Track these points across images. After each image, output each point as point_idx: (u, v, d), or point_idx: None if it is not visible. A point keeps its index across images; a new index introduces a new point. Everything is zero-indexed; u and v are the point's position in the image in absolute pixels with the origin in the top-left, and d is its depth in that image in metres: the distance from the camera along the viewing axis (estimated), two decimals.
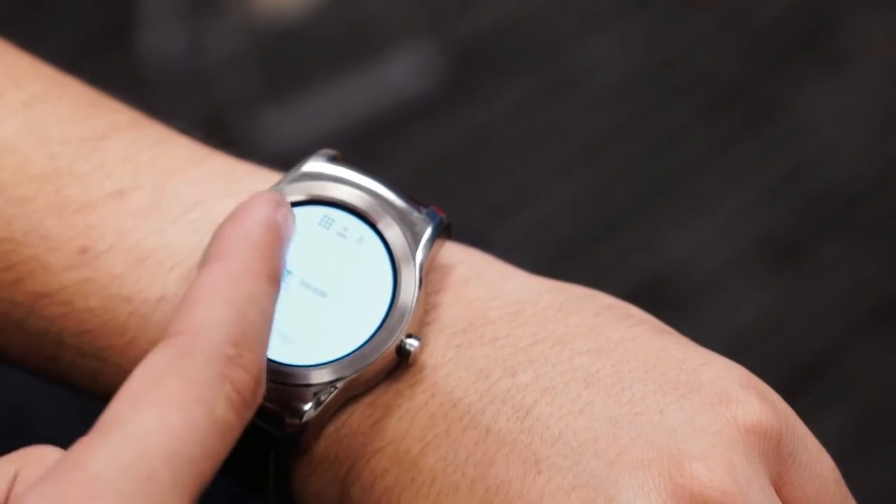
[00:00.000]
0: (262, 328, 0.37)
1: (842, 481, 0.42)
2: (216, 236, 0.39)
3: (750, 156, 1.52)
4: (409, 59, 1.55)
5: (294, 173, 0.45)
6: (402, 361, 0.42)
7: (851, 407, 1.33)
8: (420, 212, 0.44)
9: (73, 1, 1.51)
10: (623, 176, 1.50)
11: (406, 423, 0.42)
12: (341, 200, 0.44)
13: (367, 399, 0.42)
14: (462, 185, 1.47)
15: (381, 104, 1.51)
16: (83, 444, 0.34)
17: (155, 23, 1.49)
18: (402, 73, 1.54)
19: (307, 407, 0.42)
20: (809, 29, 1.60)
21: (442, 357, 0.42)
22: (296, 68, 1.52)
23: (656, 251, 1.42)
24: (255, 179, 0.46)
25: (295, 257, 0.43)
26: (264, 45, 1.53)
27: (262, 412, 0.42)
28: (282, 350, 0.42)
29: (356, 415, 0.42)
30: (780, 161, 1.52)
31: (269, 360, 0.42)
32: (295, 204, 0.44)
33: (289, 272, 0.43)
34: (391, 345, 0.42)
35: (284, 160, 0.49)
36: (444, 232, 0.44)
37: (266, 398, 0.42)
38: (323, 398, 0.42)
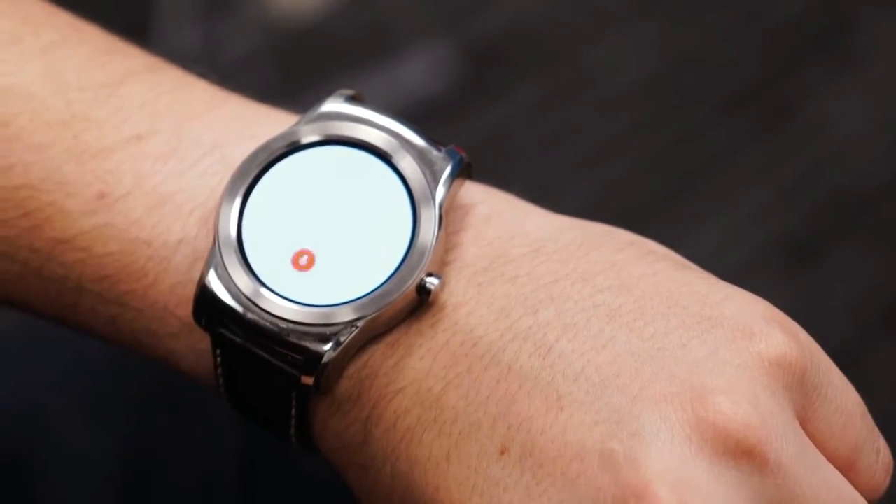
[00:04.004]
0: None
1: (868, 416, 0.42)
2: None
3: (765, 156, 1.52)
4: (424, 58, 1.55)
5: (312, 114, 0.44)
6: (422, 300, 0.42)
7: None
8: (440, 150, 0.44)
9: (90, 1, 1.51)
10: (638, 176, 1.50)
11: (427, 362, 0.41)
12: (359, 139, 0.44)
13: (388, 339, 0.42)
14: None
15: (396, 104, 1.51)
16: None
17: (170, 22, 1.49)
18: (417, 72, 1.54)
19: (327, 347, 0.41)
20: (825, 29, 1.60)
21: (463, 296, 0.42)
22: (311, 68, 1.53)
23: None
24: (273, 122, 0.45)
25: (313, 198, 0.43)
26: (279, 45, 1.53)
27: (282, 353, 0.42)
28: (301, 290, 0.42)
29: (377, 355, 0.42)
30: (794, 162, 1.51)
31: (288, 300, 0.42)
32: (312, 144, 0.44)
33: (309, 210, 0.43)
34: (411, 283, 0.42)
35: None
36: (465, 171, 0.44)
37: (286, 339, 0.42)
38: (343, 338, 0.41)
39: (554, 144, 1.50)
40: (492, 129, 1.52)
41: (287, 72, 1.51)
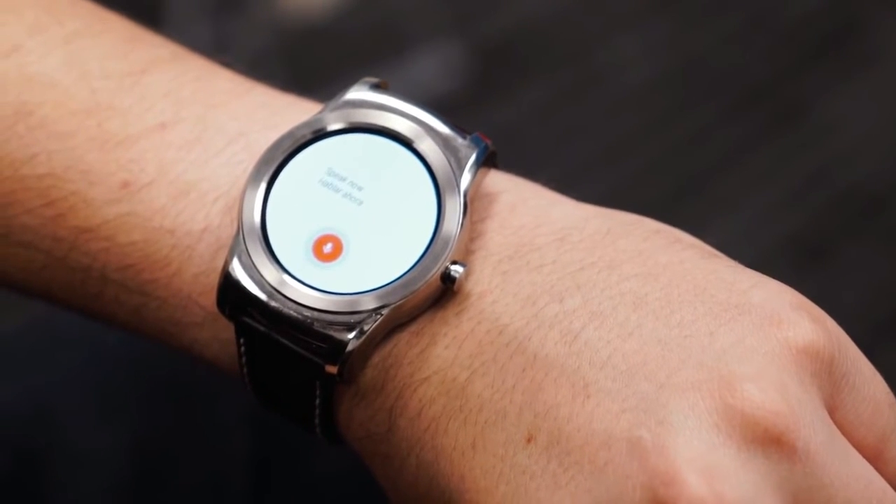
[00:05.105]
0: None
1: None
2: None
3: (774, 157, 1.52)
4: (434, 58, 1.55)
5: (336, 102, 0.44)
6: (447, 289, 0.42)
7: None
8: (464, 138, 0.44)
9: (100, 0, 1.51)
10: (647, 176, 1.50)
11: (453, 350, 0.41)
12: (384, 127, 0.44)
13: (413, 327, 0.42)
14: None
15: None
16: None
17: (181, 21, 1.50)
18: (426, 72, 1.54)
19: (351, 336, 0.41)
20: (835, 30, 1.60)
21: (488, 284, 0.42)
22: (321, 67, 1.53)
23: None
24: (298, 110, 0.45)
25: (337, 186, 0.43)
26: (290, 44, 1.53)
27: (306, 342, 0.42)
28: (324, 277, 0.42)
29: (402, 343, 0.42)
30: (804, 162, 1.51)
31: (311, 288, 0.42)
32: (336, 132, 0.44)
33: (334, 191, 0.43)
34: (436, 271, 0.41)
35: None
36: (490, 159, 0.44)
37: (310, 327, 0.42)
38: (367, 327, 0.41)
39: (564, 143, 1.50)
40: (501, 129, 1.51)
41: (297, 71, 1.51)
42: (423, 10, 1.56)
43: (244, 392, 0.59)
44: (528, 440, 0.39)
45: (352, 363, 0.41)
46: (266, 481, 0.60)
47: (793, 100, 1.55)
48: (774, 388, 0.38)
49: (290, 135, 0.44)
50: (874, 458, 0.40)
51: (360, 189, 0.43)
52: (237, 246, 0.42)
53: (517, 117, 1.53)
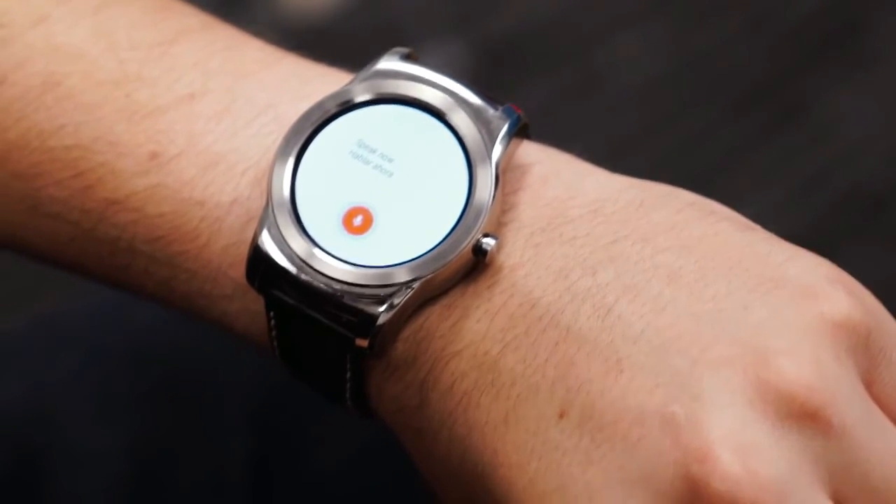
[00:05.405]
0: None
1: None
2: None
3: (776, 156, 1.51)
4: (436, 57, 1.55)
5: (366, 72, 0.44)
6: (478, 262, 0.41)
7: None
8: (496, 109, 0.43)
9: None
10: (648, 176, 1.48)
11: (484, 324, 0.41)
12: (414, 98, 0.43)
13: (444, 301, 0.41)
14: None
15: None
16: None
17: None
18: None
19: (382, 309, 0.41)
20: (837, 29, 1.60)
21: (520, 257, 0.41)
22: None
23: None
24: (328, 81, 0.45)
25: (367, 157, 0.43)
26: (292, 45, 1.53)
27: (336, 315, 0.41)
28: (354, 250, 0.41)
29: (433, 317, 0.41)
30: (806, 162, 1.51)
31: (341, 260, 0.41)
32: (365, 103, 0.43)
33: (364, 163, 0.43)
34: (468, 244, 0.41)
35: None
36: (522, 131, 0.44)
37: (340, 300, 0.41)
38: (398, 300, 0.41)
39: (565, 143, 1.49)
40: None
41: None
42: (424, 10, 1.56)
43: (244, 392, 0.59)
44: (561, 415, 0.39)
45: (382, 336, 0.41)
46: (266, 481, 0.60)
47: (794, 100, 1.55)
48: (809, 362, 0.38)
49: (319, 106, 0.43)
50: None
51: (390, 161, 0.42)
52: (266, 218, 0.42)
53: None
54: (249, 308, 0.44)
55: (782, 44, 1.59)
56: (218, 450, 0.60)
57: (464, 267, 0.41)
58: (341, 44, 1.56)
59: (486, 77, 1.55)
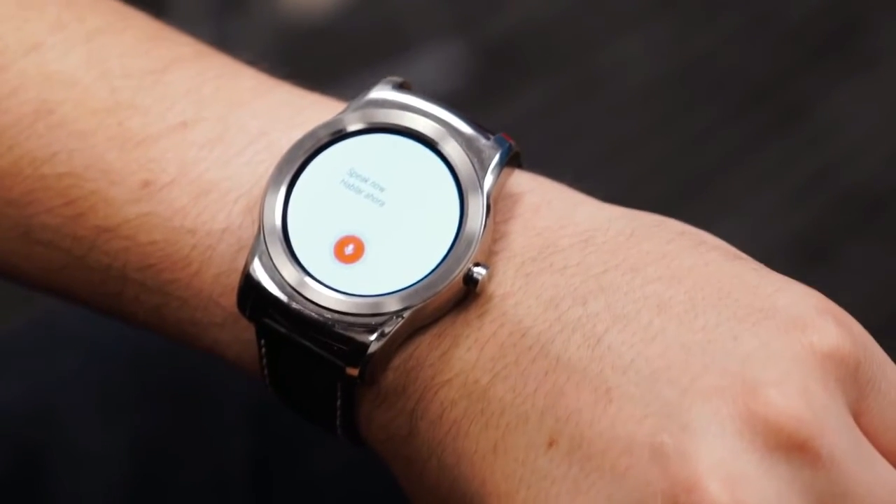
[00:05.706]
0: None
1: None
2: None
3: (777, 157, 1.51)
4: (437, 58, 1.55)
5: (358, 101, 0.44)
6: (469, 291, 0.41)
7: None
8: (488, 138, 0.43)
9: None
10: (650, 176, 1.50)
11: (474, 353, 0.41)
12: (405, 127, 0.43)
13: (435, 330, 0.42)
14: None
15: None
16: None
17: (183, 22, 1.50)
18: (429, 72, 1.54)
19: (372, 338, 0.41)
20: (838, 30, 1.60)
21: (511, 286, 0.41)
22: (323, 67, 1.53)
23: None
24: (321, 109, 0.45)
25: (358, 187, 0.43)
26: (292, 45, 1.53)
27: (327, 344, 0.41)
28: (345, 279, 0.42)
29: (423, 346, 0.42)
30: (806, 163, 1.51)
31: (332, 289, 0.41)
32: (358, 132, 0.43)
33: (356, 192, 0.43)
34: (458, 273, 0.41)
35: None
36: (513, 160, 0.44)
37: (331, 329, 0.41)
38: (388, 329, 0.41)
39: (566, 144, 1.50)
40: (504, 129, 1.51)
41: (299, 71, 1.50)
42: (425, 10, 1.56)
43: (244, 392, 0.58)
44: (550, 445, 0.39)
45: (373, 365, 0.41)
46: (266, 481, 0.60)
47: (795, 100, 1.55)
48: (798, 393, 0.38)
49: (311, 135, 0.43)
50: None
51: (382, 190, 0.43)
52: (258, 247, 0.42)
53: (519, 117, 1.53)
54: (241, 336, 0.44)
55: (782, 44, 1.59)
56: (218, 450, 0.60)
57: (455, 296, 0.41)
58: (341, 44, 1.56)
59: (487, 77, 1.55)
